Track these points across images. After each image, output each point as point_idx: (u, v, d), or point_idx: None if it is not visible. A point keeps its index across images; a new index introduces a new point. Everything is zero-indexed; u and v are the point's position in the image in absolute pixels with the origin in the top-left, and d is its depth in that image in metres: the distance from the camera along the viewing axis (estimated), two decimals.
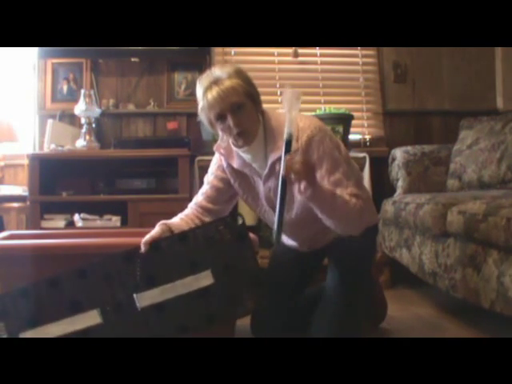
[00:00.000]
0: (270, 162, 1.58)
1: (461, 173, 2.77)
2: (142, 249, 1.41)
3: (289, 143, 1.37)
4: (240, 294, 1.29)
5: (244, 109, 1.51)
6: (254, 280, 1.30)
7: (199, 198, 1.72)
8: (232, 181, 1.70)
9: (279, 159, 1.54)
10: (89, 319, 1.32)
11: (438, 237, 2.14)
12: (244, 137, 1.54)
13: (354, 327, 1.67)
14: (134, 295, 1.32)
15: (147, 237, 1.46)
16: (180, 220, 1.64)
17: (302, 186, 1.37)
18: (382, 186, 3.11)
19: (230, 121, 1.50)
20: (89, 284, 1.36)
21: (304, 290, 1.89)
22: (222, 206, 1.72)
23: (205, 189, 1.73)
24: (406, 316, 2.30)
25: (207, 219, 1.67)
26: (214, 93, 1.48)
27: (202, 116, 1.57)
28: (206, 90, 1.50)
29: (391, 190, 2.99)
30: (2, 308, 1.37)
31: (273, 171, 1.58)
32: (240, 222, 1.41)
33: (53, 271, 1.76)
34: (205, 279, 1.32)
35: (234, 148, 1.63)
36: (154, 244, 1.43)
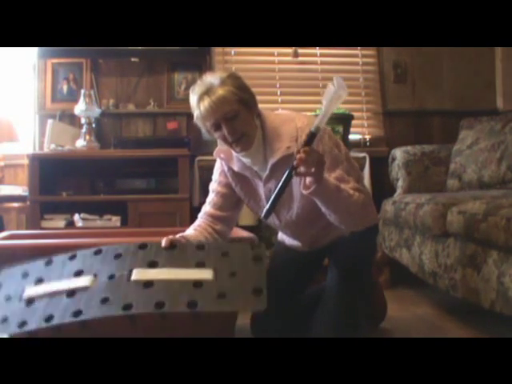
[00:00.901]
0: (270, 164, 1.58)
1: (461, 173, 2.77)
2: (163, 243, 1.43)
3: (313, 136, 1.35)
4: (234, 296, 1.28)
5: (238, 116, 1.51)
6: (256, 293, 1.28)
7: (207, 207, 1.72)
8: (234, 184, 1.70)
9: (280, 161, 1.54)
10: (80, 282, 1.34)
11: (438, 237, 2.14)
12: (241, 143, 1.54)
13: (353, 327, 1.67)
14: (134, 270, 1.35)
15: (171, 236, 1.48)
16: (195, 231, 1.64)
17: (309, 180, 1.36)
18: (382, 186, 3.11)
19: (224, 129, 1.51)
20: (98, 259, 1.40)
21: (304, 290, 1.89)
22: (231, 211, 1.72)
23: (211, 197, 1.73)
24: (406, 316, 2.30)
25: (218, 227, 1.68)
26: (206, 104, 1.48)
27: (199, 124, 1.57)
28: (198, 100, 1.51)
29: (391, 190, 2.99)
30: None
31: (273, 173, 1.58)
32: (261, 246, 1.41)
33: None
34: (204, 274, 1.32)
35: (234, 152, 1.63)
36: (172, 243, 1.45)
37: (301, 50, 3.29)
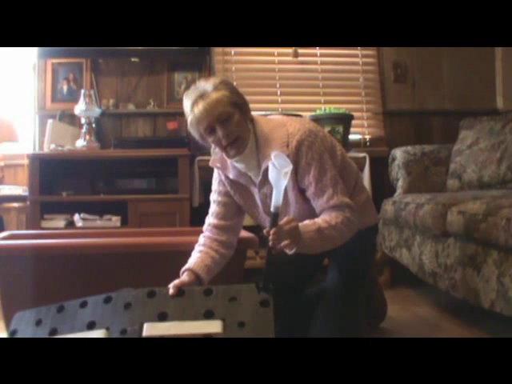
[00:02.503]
0: (262, 169, 1.59)
1: (461, 173, 2.77)
2: (170, 291, 1.43)
3: (276, 216, 1.39)
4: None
5: (232, 119, 1.52)
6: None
7: (210, 218, 1.73)
8: (232, 193, 1.72)
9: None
10: (94, 335, 1.35)
11: (438, 237, 2.14)
12: (235, 147, 1.55)
13: (353, 327, 1.67)
14: (145, 324, 1.35)
15: (176, 281, 1.49)
16: (200, 254, 1.64)
17: (288, 249, 1.43)
18: (382, 186, 3.12)
19: (219, 132, 1.52)
20: (109, 309, 1.41)
21: (304, 291, 1.89)
22: (235, 219, 1.73)
23: (213, 208, 1.74)
24: (406, 316, 2.30)
25: (223, 238, 1.68)
26: (200, 107, 1.50)
27: (193, 131, 1.58)
28: (192, 105, 1.52)
29: (391, 190, 2.99)
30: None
31: (267, 178, 1.59)
32: (268, 290, 1.41)
33: (53, 271, 1.76)
34: (213, 327, 1.33)
35: (228, 159, 1.64)
36: (180, 289, 1.45)
37: (301, 50, 3.29)
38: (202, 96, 1.50)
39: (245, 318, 1.33)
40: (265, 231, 1.40)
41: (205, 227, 1.73)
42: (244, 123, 1.57)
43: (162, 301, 1.41)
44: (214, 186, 1.75)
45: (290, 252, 1.46)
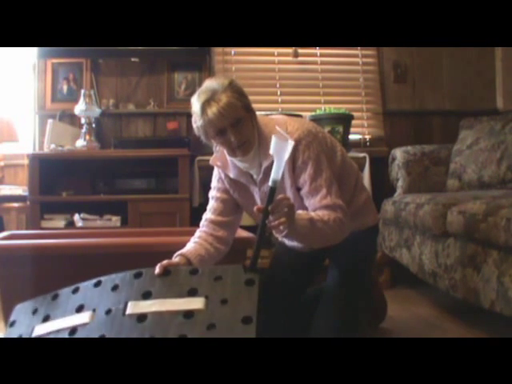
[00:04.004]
0: (263, 167, 1.60)
1: (461, 173, 2.77)
2: (157, 270, 1.43)
3: (273, 190, 1.37)
4: (223, 326, 1.28)
5: (243, 122, 1.53)
6: (245, 322, 1.27)
7: (208, 214, 1.73)
8: (231, 191, 1.72)
9: (271, 165, 1.55)
10: (80, 318, 1.37)
11: (437, 237, 2.14)
12: (243, 148, 1.56)
13: (353, 327, 1.67)
14: (129, 303, 1.36)
15: (164, 261, 1.48)
16: (194, 244, 1.65)
17: (281, 227, 1.39)
18: (382, 186, 3.12)
19: (230, 135, 1.52)
20: (97, 292, 1.42)
21: (305, 291, 1.89)
22: (232, 216, 1.73)
23: (211, 204, 1.74)
24: (406, 316, 2.30)
25: (219, 234, 1.68)
26: (214, 109, 1.49)
27: (200, 132, 1.58)
28: (204, 106, 1.51)
29: (391, 190, 2.99)
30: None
31: (267, 176, 1.59)
32: (255, 272, 1.40)
33: (53, 271, 1.76)
34: (195, 303, 1.33)
35: (229, 158, 1.65)
36: (167, 269, 1.45)
37: (301, 50, 3.29)
38: (213, 98, 1.50)
39: (228, 295, 1.33)
40: (256, 208, 1.39)
41: (202, 223, 1.73)
42: (251, 124, 1.58)
43: (148, 281, 1.42)
44: (214, 183, 1.75)
45: (281, 233, 1.43)
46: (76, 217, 2.83)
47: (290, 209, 1.39)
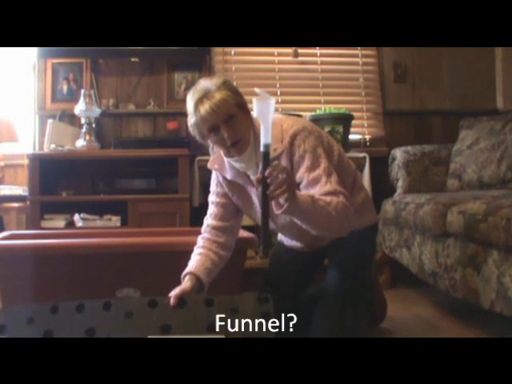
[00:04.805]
0: (260, 167, 1.58)
1: (461, 173, 2.77)
2: (171, 302, 1.43)
3: (267, 155, 1.31)
4: None
5: (236, 119, 1.53)
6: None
7: (209, 220, 1.73)
8: (230, 194, 1.72)
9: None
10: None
11: (437, 237, 2.14)
12: (237, 147, 1.55)
13: (353, 327, 1.67)
14: (148, 337, 1.34)
15: (177, 290, 1.48)
16: (200, 256, 1.64)
17: (282, 199, 1.34)
18: (382, 186, 3.11)
19: (223, 132, 1.52)
20: (109, 316, 1.40)
21: (304, 290, 1.89)
22: (233, 219, 1.73)
23: (211, 209, 1.74)
24: (406, 316, 2.30)
25: (222, 240, 1.68)
26: (206, 106, 1.49)
27: (194, 130, 1.58)
28: (196, 104, 1.52)
29: (391, 190, 2.99)
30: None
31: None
32: (268, 301, 1.41)
33: (53, 271, 1.76)
34: None
35: (226, 159, 1.64)
36: (181, 299, 1.45)
37: (301, 50, 3.29)
38: (206, 95, 1.51)
39: (247, 333, 1.34)
40: (257, 176, 1.32)
41: (203, 228, 1.73)
42: (246, 123, 1.57)
43: (164, 312, 1.41)
44: (212, 187, 1.76)
45: (282, 208, 1.35)
46: (76, 217, 2.83)
47: (288, 174, 1.33)
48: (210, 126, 1.52)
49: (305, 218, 1.45)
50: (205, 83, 1.55)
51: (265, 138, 1.32)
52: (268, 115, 1.32)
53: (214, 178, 1.75)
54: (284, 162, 1.53)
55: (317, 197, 1.44)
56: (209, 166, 1.73)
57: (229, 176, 1.68)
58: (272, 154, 1.52)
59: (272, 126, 1.59)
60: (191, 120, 1.56)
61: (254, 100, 1.33)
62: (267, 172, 1.30)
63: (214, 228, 1.70)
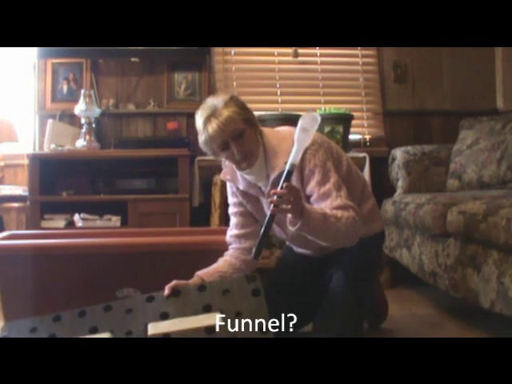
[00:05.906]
0: (271, 179, 1.63)
1: (461, 173, 2.77)
2: (166, 292, 1.50)
3: (290, 174, 1.42)
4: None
5: (244, 135, 1.57)
6: (261, 330, 1.39)
7: (232, 231, 1.78)
8: (245, 202, 1.76)
9: (279, 176, 1.56)
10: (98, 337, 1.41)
11: (437, 237, 2.14)
12: (247, 160, 1.60)
13: (356, 329, 1.68)
14: (149, 324, 1.43)
15: (172, 282, 1.54)
16: (218, 262, 1.70)
17: (290, 217, 1.44)
18: (382, 186, 3.11)
19: (233, 148, 1.57)
20: (110, 315, 1.48)
21: (308, 293, 1.87)
22: (254, 225, 1.77)
23: (232, 220, 1.79)
24: (406, 316, 2.30)
25: (246, 245, 1.72)
26: (213, 125, 1.54)
27: (205, 147, 1.63)
28: (205, 123, 1.57)
29: (391, 190, 2.98)
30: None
31: (275, 187, 1.60)
32: (256, 279, 1.51)
33: (53, 271, 1.76)
34: (213, 319, 1.41)
35: (238, 171, 1.69)
36: (175, 290, 1.52)
37: (301, 50, 3.28)
38: (213, 114, 1.55)
39: (240, 307, 1.44)
40: (268, 190, 1.47)
41: (228, 239, 1.78)
42: (254, 137, 1.62)
43: (161, 303, 1.48)
44: (229, 199, 1.80)
45: (293, 223, 1.45)
46: (76, 217, 2.83)
47: (298, 194, 1.43)
48: (220, 143, 1.57)
49: (316, 234, 1.51)
50: (212, 101, 1.59)
51: (294, 157, 1.43)
52: (306, 141, 1.44)
53: (229, 189, 1.80)
54: (294, 175, 1.55)
55: (328, 213, 1.50)
56: (221, 177, 1.77)
57: (241, 186, 1.72)
58: (283, 168, 1.55)
59: (283, 139, 1.63)
60: (201, 138, 1.60)
61: (298, 124, 1.45)
62: (279, 191, 1.39)
63: (238, 236, 1.75)
